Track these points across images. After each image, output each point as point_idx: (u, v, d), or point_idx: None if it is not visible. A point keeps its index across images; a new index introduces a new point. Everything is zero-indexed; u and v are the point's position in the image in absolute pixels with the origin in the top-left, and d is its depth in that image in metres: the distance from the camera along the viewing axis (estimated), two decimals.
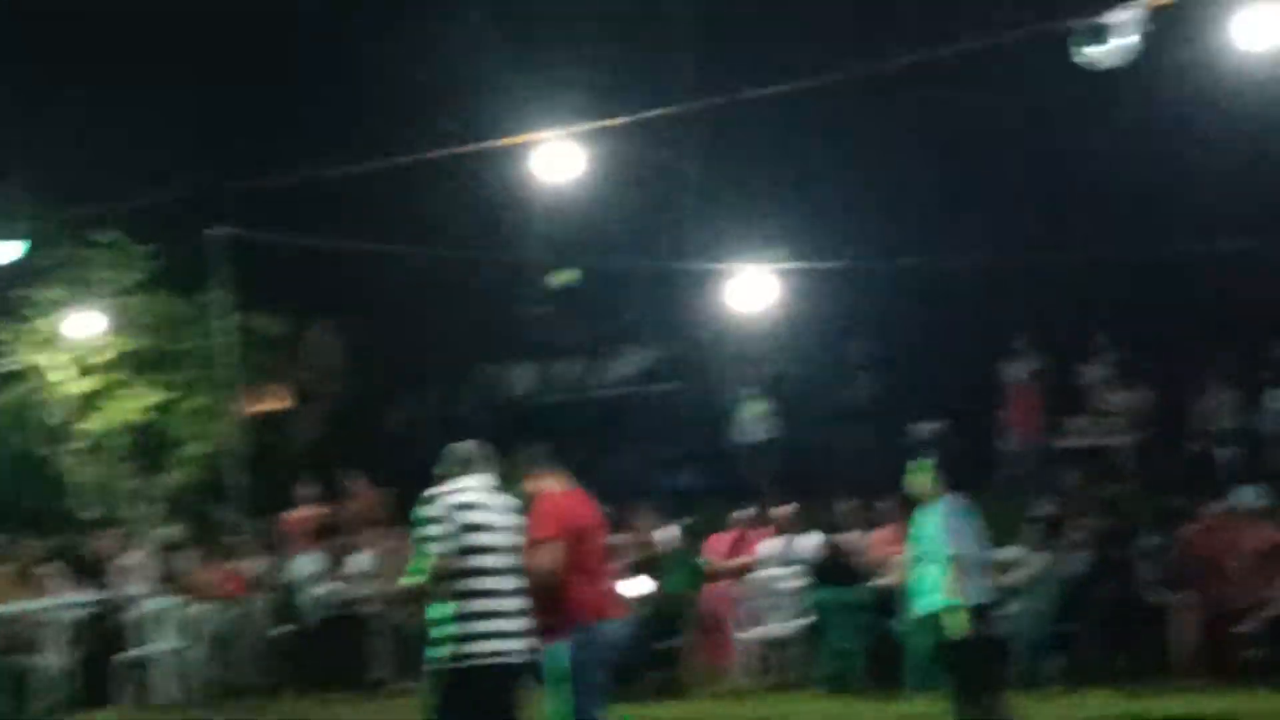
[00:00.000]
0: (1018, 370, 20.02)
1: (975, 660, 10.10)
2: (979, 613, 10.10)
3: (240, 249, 18.31)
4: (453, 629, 7.87)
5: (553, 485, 8.83)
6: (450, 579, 7.90)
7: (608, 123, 13.46)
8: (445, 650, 7.86)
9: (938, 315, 20.45)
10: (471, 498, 8.04)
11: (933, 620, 10.14)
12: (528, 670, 8.00)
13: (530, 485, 8.80)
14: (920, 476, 10.42)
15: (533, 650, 8.03)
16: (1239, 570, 13.74)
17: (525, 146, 13.51)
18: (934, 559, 10.13)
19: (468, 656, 7.84)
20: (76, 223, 18.46)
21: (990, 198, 20.35)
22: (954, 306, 20.28)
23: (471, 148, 14.42)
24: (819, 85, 13.10)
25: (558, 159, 13.37)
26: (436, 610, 7.95)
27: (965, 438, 20.49)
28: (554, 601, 8.42)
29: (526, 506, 8.63)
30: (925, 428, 21.14)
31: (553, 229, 17.99)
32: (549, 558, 8.41)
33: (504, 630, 7.91)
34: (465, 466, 8.20)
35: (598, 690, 8.42)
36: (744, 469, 20.76)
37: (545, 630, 8.38)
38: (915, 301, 20.18)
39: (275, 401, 24.13)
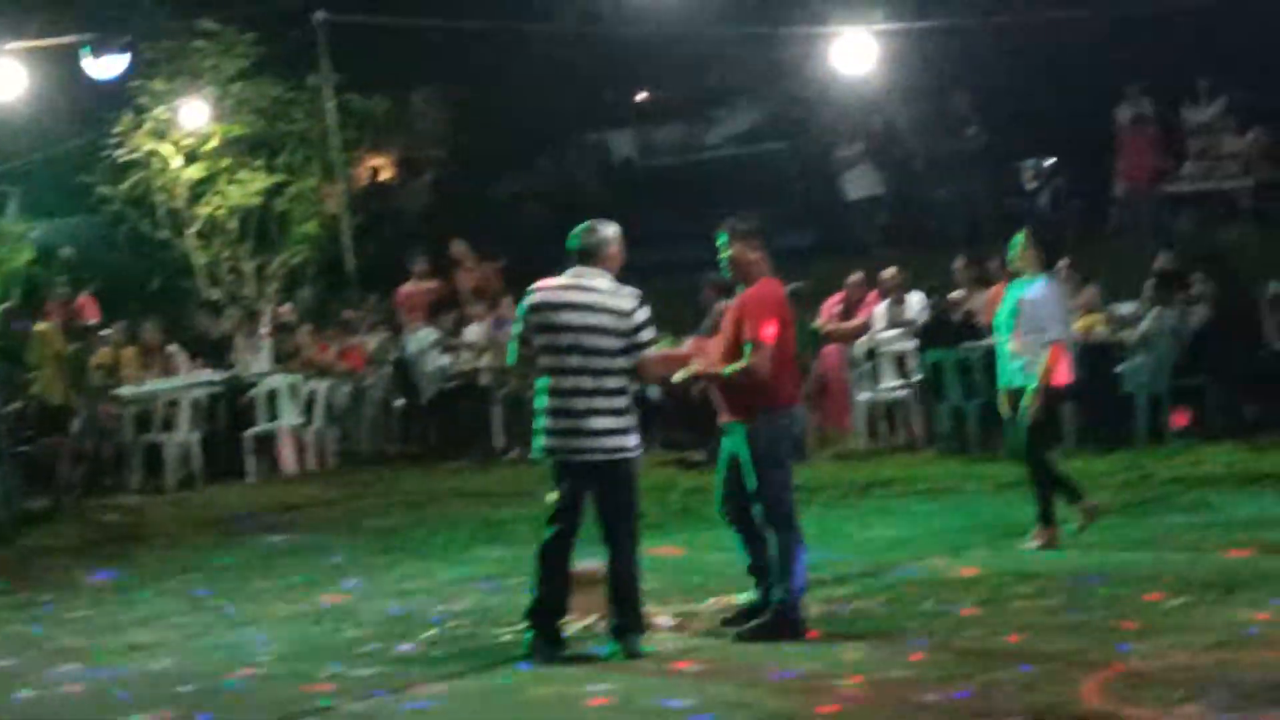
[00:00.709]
0: (1128, 115, 19.65)
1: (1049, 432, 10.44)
2: (1064, 393, 10.51)
3: (343, 31, 18.40)
4: (537, 422, 8.24)
5: (765, 269, 8.49)
6: (528, 375, 8.27)
7: None
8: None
9: (1045, 66, 19.99)
10: (555, 297, 8.15)
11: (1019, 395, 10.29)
12: (609, 467, 8.08)
13: (739, 260, 8.47)
14: (1015, 251, 10.46)
15: (615, 450, 8.07)
16: None
17: None
18: (1030, 333, 10.20)
19: (539, 449, 8.25)
20: (182, 14, 18.62)
21: None
22: (1061, 57, 19.80)
23: None
24: None
25: None
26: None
27: (1075, 185, 20.30)
28: (752, 389, 8.38)
29: (732, 276, 8.49)
30: (1034, 164, 20.92)
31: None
32: (765, 362, 8.34)
33: (567, 429, 8.10)
34: (581, 257, 8.26)
35: (788, 472, 8.43)
36: (853, 226, 20.64)
37: (734, 413, 8.45)
38: (1021, 55, 19.70)
39: (382, 171, 24.27)
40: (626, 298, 8.17)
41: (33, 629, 10.11)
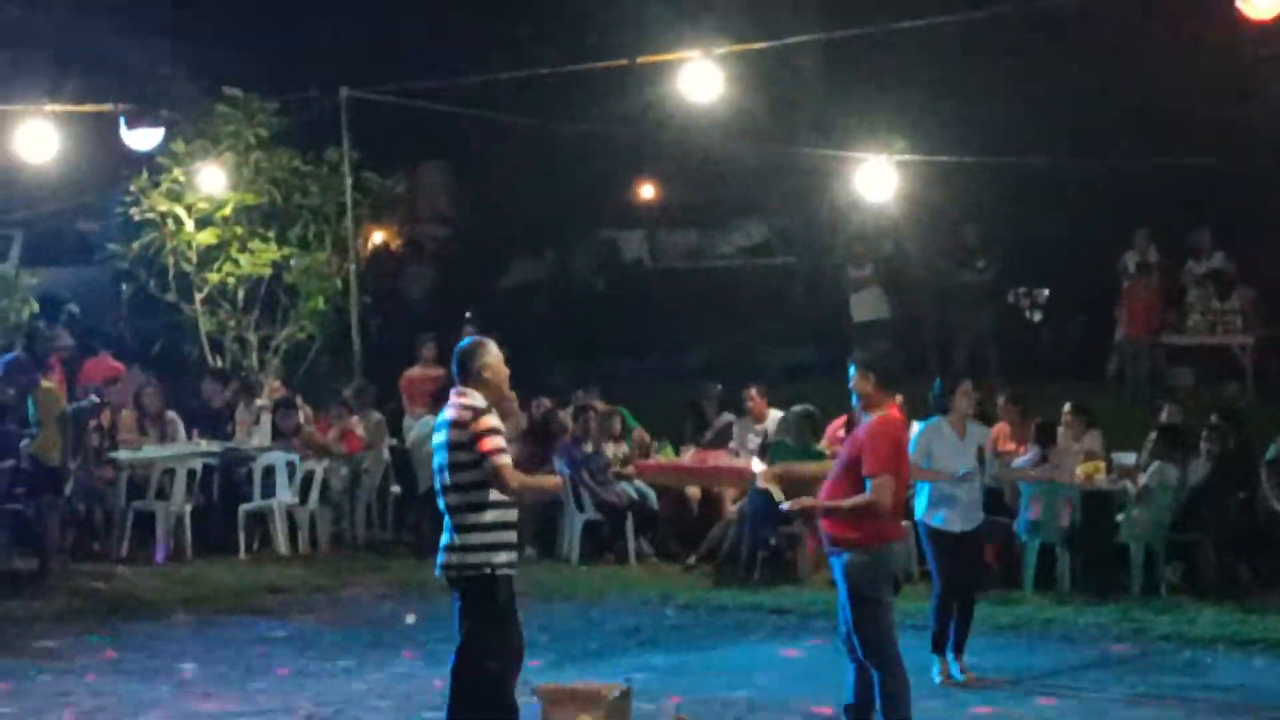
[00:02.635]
0: (1134, 262, 19.82)
1: None
2: None
3: (361, 106, 18.50)
4: None
5: (882, 402, 8.73)
6: None
7: (747, 46, 14.66)
8: None
9: (1055, 206, 20.27)
10: (435, 419, 8.25)
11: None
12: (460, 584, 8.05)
13: (858, 390, 8.74)
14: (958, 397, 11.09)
15: (465, 566, 8.00)
16: None
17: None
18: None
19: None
20: (206, 78, 18.71)
21: (1112, 102, 20.00)
22: (1074, 201, 20.08)
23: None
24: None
25: (701, 79, 14.18)
26: None
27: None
28: (853, 521, 8.53)
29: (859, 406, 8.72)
30: (1028, 293, 21.09)
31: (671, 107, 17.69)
32: (887, 497, 8.51)
33: (443, 545, 8.13)
34: (459, 376, 8.21)
35: (885, 608, 8.51)
36: (857, 347, 20.69)
37: (832, 545, 8.59)
38: (1033, 193, 19.95)
39: (389, 244, 24.26)
40: (466, 410, 8.02)
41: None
